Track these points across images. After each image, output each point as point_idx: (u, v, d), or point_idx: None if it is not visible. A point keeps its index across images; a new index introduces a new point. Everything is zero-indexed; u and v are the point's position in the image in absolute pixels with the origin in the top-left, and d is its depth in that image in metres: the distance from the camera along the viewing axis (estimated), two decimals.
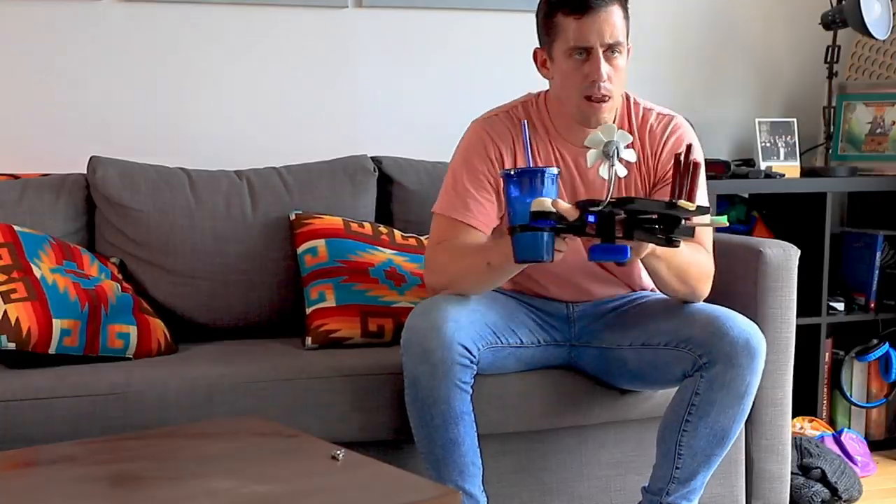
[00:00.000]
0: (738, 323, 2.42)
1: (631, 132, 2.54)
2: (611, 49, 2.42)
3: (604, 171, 2.19)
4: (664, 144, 2.58)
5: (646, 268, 2.43)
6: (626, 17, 2.47)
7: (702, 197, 2.42)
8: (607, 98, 2.44)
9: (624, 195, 2.51)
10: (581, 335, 2.63)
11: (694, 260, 2.46)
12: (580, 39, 2.41)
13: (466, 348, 2.36)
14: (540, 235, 2.18)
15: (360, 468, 1.88)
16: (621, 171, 2.20)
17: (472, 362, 2.38)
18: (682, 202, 2.13)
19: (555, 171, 2.23)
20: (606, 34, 2.41)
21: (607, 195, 2.14)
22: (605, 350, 2.60)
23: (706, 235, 2.55)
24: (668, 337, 2.47)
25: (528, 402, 2.64)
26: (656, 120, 2.60)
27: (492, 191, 2.53)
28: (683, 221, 2.14)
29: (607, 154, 2.18)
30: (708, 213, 2.19)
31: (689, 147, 2.23)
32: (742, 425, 2.49)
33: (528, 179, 2.19)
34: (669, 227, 2.14)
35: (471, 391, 2.39)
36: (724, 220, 2.18)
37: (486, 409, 2.53)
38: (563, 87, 2.48)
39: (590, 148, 2.21)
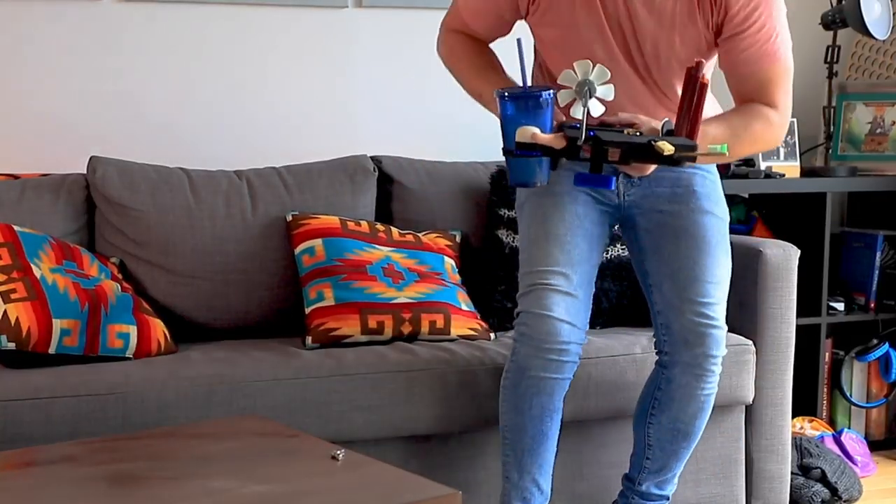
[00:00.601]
0: (713, 341, 2.44)
1: None
2: None
3: (577, 112, 2.08)
4: None
5: None
6: None
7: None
8: None
9: (679, 50, 2.36)
10: (628, 214, 2.55)
11: (736, 139, 2.32)
12: None
13: (579, 345, 2.44)
14: (527, 162, 2.14)
15: (360, 468, 1.88)
16: (596, 109, 2.10)
17: (580, 356, 2.46)
18: (660, 143, 2.04)
19: (549, 93, 2.15)
20: None
21: (581, 135, 2.06)
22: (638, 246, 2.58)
23: (778, 86, 2.39)
24: (662, 305, 2.50)
25: None
26: None
27: (510, 17, 2.48)
28: (670, 152, 2.05)
29: (580, 94, 2.07)
30: (694, 149, 2.10)
31: (697, 64, 2.13)
32: (704, 423, 2.52)
33: (522, 102, 2.14)
34: (659, 160, 2.09)
35: (567, 388, 2.47)
36: (722, 149, 2.13)
37: (484, 402, 2.54)
38: None
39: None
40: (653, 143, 2.04)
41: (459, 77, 2.54)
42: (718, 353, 2.46)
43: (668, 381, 2.49)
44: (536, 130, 2.08)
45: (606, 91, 2.09)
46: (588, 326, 2.49)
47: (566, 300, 2.41)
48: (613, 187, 2.13)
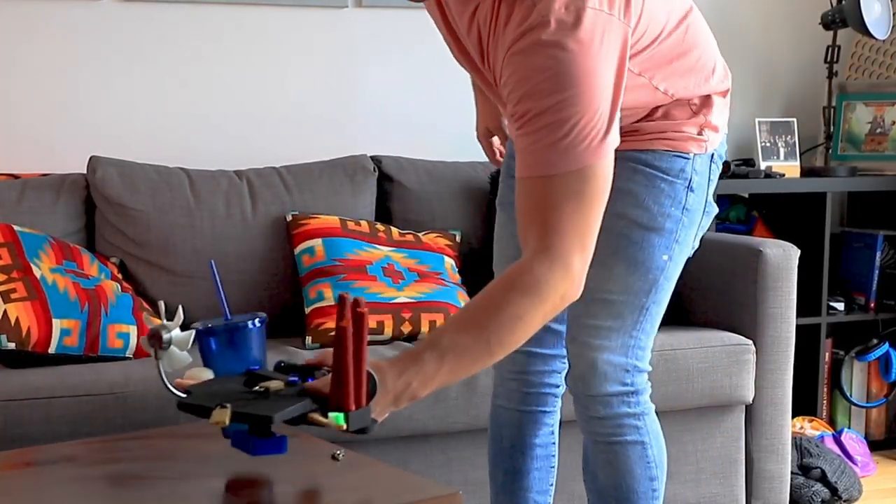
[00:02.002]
0: (589, 373, 1.98)
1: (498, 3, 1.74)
2: None
3: (163, 362, 1.69)
4: (507, 49, 1.71)
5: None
6: None
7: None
8: None
9: None
10: None
11: (483, 344, 1.64)
12: None
13: (548, 373, 2.15)
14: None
15: (360, 468, 1.88)
16: (177, 360, 1.67)
17: (555, 387, 2.16)
18: (218, 413, 1.53)
19: (256, 324, 1.77)
20: None
21: (173, 391, 1.66)
22: None
23: (558, 213, 1.65)
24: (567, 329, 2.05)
25: None
26: (520, 4, 1.69)
27: None
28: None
29: (152, 344, 1.68)
30: (269, 422, 1.52)
31: (356, 303, 1.49)
32: (636, 487, 2.04)
33: (224, 337, 1.77)
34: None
35: (551, 423, 2.18)
36: (338, 421, 1.54)
37: (484, 401, 2.53)
38: None
39: None
40: (233, 408, 1.54)
41: None
42: (599, 392, 1.98)
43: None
44: (207, 374, 1.69)
45: (183, 339, 1.69)
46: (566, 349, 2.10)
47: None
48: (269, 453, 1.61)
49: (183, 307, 2.88)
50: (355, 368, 1.50)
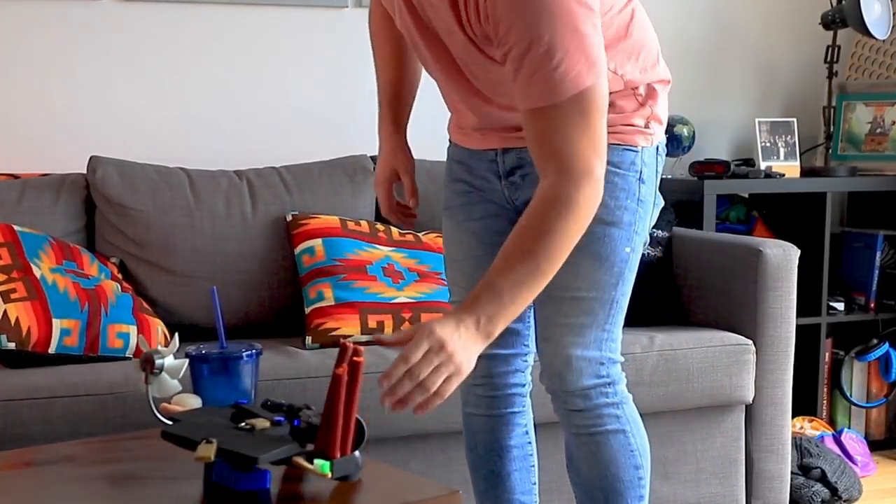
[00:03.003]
0: (561, 370, 2.00)
1: None
2: None
3: (153, 388, 1.73)
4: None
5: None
6: None
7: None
8: None
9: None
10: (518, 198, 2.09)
11: (535, 268, 1.73)
12: None
13: (513, 373, 2.15)
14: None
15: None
16: (167, 387, 1.72)
17: (521, 385, 2.17)
18: (203, 449, 1.54)
19: (251, 354, 1.85)
20: None
21: (160, 418, 1.70)
22: None
23: (567, 132, 1.74)
24: (539, 330, 2.08)
25: None
26: None
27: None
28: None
29: (143, 369, 1.71)
30: (252, 462, 1.51)
31: (355, 352, 1.57)
32: (623, 478, 2.04)
33: (217, 364, 1.83)
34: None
35: (523, 423, 2.20)
36: (323, 470, 1.55)
37: None
38: None
39: None
40: (218, 444, 1.55)
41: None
42: (576, 387, 2.01)
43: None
44: (194, 401, 1.71)
45: (175, 367, 1.72)
46: (528, 347, 2.16)
47: None
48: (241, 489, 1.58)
49: (182, 307, 2.92)
50: (345, 416, 1.55)
